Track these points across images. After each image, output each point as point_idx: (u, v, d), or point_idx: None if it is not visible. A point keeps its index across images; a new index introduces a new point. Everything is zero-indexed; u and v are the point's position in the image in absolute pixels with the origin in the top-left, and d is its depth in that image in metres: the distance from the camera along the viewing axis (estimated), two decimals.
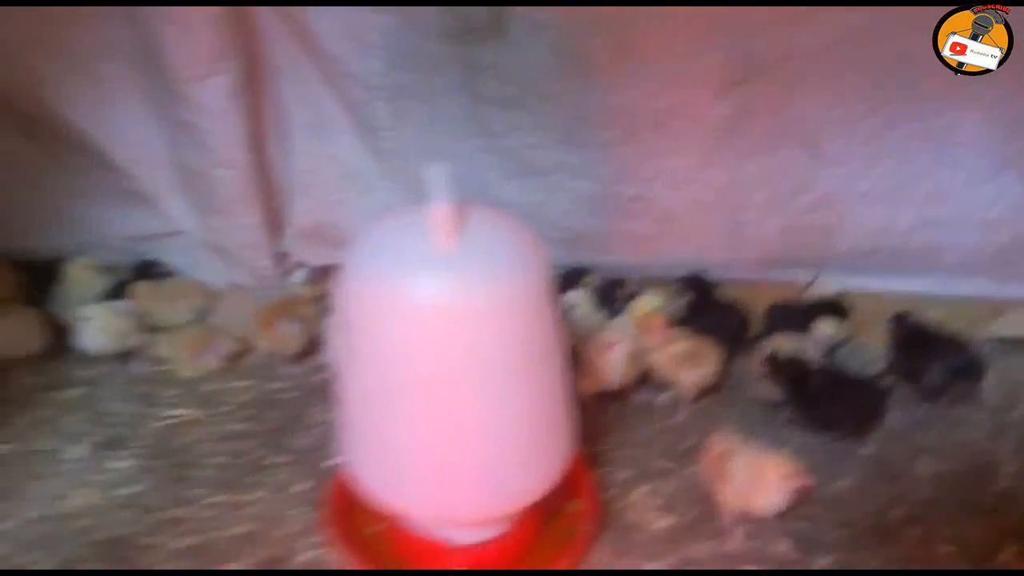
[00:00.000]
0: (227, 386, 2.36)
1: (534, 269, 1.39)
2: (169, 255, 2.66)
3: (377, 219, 1.48)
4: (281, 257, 2.56)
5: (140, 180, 2.41)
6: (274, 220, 2.48)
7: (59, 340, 2.42)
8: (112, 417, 2.20)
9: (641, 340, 2.17)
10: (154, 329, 2.47)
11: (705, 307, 2.38)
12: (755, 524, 1.80)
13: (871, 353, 2.20)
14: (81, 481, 1.95)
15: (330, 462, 2.03)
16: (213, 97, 2.15)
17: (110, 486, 1.94)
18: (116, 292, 2.51)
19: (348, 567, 1.70)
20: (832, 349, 2.20)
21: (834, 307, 2.35)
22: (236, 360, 2.42)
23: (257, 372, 2.43)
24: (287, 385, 2.37)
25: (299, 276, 2.64)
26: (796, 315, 2.31)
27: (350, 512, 1.75)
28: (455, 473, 1.45)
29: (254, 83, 2.23)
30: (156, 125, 2.32)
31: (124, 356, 2.41)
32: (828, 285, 2.44)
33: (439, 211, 1.30)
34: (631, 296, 2.39)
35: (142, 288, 2.48)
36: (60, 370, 2.38)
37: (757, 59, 2.07)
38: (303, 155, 2.36)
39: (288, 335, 2.42)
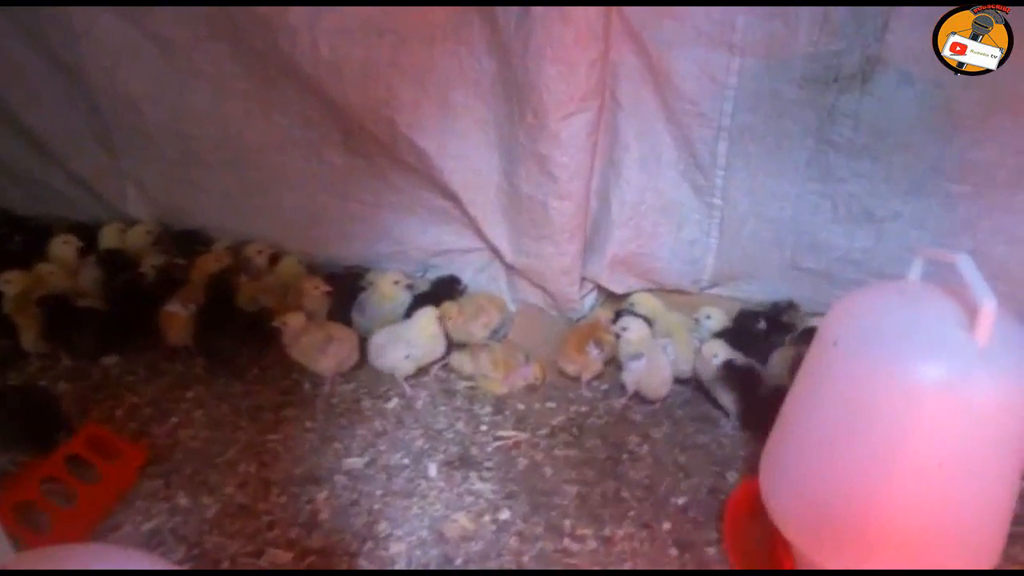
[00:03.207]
0: (534, 407, 2.43)
1: None
2: (461, 271, 2.74)
3: (868, 291, 1.51)
4: (581, 283, 2.59)
5: (464, 202, 2.47)
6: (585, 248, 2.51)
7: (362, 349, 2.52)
8: (444, 434, 2.28)
9: None
10: (453, 344, 2.56)
11: None
12: None
13: None
14: (449, 504, 2.02)
15: (677, 500, 2.07)
16: (575, 132, 2.18)
17: (480, 512, 2.00)
18: (414, 306, 2.58)
19: None
20: None
21: None
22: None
23: (556, 394, 2.49)
24: (591, 410, 2.42)
25: (590, 301, 2.67)
26: None
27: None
28: (912, 541, 1.47)
29: (603, 119, 2.26)
30: (494, 153, 2.37)
31: (427, 369, 2.50)
32: None
33: (984, 306, 1.30)
34: None
35: (450, 306, 2.54)
36: (372, 380, 2.49)
37: None
38: (629, 187, 2.38)
39: (594, 360, 2.48)
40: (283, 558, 1.82)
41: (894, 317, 1.42)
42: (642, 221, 2.44)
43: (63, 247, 2.64)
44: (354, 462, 2.14)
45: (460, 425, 2.32)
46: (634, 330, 2.44)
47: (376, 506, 1.99)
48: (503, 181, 2.41)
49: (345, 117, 2.43)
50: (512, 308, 2.69)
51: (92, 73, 2.57)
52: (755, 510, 1.81)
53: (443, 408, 2.39)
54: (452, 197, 2.50)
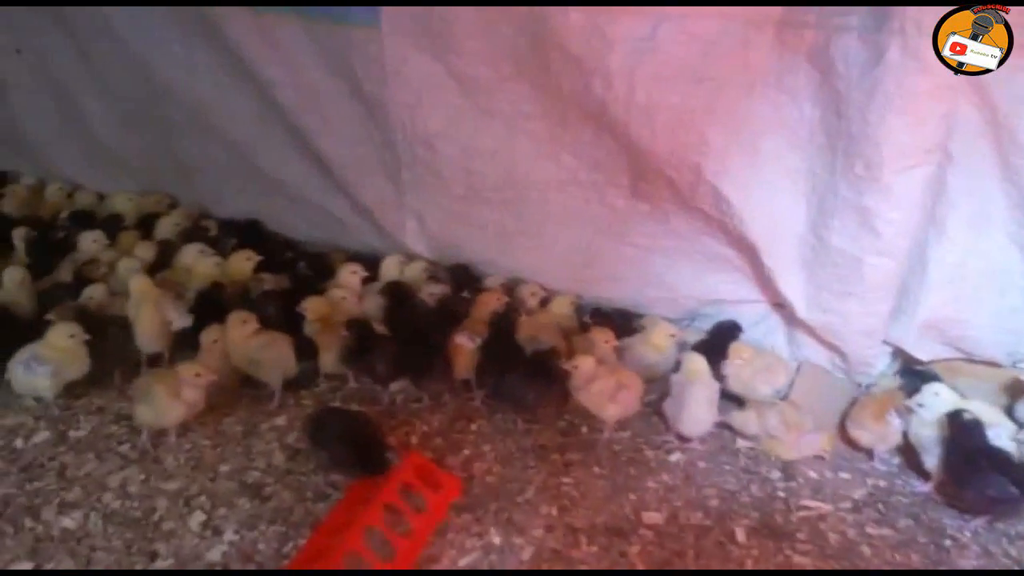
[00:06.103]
0: (827, 476, 2.27)
1: None
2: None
3: None
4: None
5: (761, 252, 2.37)
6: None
7: None
8: (738, 496, 2.17)
9: None
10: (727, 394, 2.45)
11: None
12: None
13: None
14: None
15: None
16: (910, 187, 2.07)
17: None
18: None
19: None
20: None
21: None
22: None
23: (845, 464, 2.32)
24: (891, 485, 2.24)
25: (880, 366, 2.49)
26: None
27: None
28: None
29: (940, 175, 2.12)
30: (801, 203, 2.27)
31: None
32: None
33: None
34: None
35: (741, 347, 2.46)
36: (647, 428, 2.41)
37: None
38: (952, 247, 2.21)
39: (893, 431, 2.29)
40: None
41: None
42: (962, 284, 2.26)
43: (351, 276, 2.75)
44: (653, 516, 2.07)
45: (754, 489, 2.20)
46: (933, 408, 2.22)
47: (693, 568, 1.89)
48: (808, 233, 2.30)
49: (641, 161, 2.41)
50: (791, 365, 2.55)
51: (394, 108, 2.67)
52: None
53: (728, 468, 2.29)
54: (744, 246, 2.42)
